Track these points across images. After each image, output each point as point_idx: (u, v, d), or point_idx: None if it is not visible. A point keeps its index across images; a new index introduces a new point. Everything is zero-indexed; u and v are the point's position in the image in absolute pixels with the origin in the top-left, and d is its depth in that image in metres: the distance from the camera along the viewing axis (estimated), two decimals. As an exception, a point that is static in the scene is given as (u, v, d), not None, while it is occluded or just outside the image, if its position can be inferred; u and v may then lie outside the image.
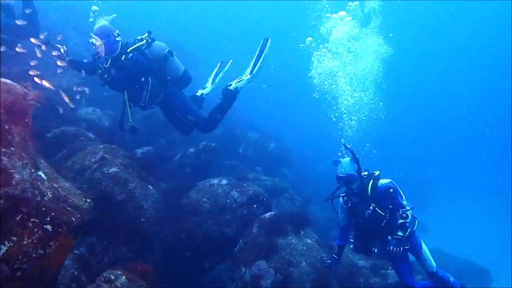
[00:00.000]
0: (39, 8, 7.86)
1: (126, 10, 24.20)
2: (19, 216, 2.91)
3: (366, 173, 5.30)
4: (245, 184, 6.92)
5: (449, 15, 39.53)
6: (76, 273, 4.41)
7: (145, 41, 5.68)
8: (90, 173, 5.20)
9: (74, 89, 5.86)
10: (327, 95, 9.17)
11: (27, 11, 6.71)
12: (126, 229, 5.12)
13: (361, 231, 5.39)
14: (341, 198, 5.41)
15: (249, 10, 46.99)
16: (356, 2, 10.68)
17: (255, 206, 6.66)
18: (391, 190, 5.00)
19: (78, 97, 5.26)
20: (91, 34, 5.43)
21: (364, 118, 8.85)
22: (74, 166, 5.35)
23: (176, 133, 10.29)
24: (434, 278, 5.39)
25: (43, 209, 3.06)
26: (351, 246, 5.59)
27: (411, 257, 5.36)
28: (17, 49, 5.61)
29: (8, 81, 3.44)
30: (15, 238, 2.84)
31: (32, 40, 5.68)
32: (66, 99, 4.99)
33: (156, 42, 5.82)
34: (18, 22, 6.32)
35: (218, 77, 6.79)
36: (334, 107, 8.71)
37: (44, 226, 3.01)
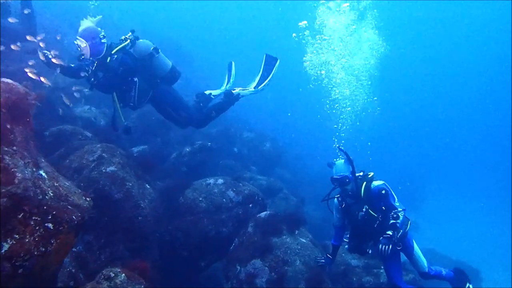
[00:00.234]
0: (35, 6, 7.87)
1: (122, 9, 24.15)
2: (21, 214, 2.95)
3: (361, 173, 5.37)
4: (240, 184, 7.00)
5: (446, 13, 39.62)
6: (73, 270, 4.47)
7: (129, 40, 5.67)
8: (88, 172, 5.25)
9: (73, 88, 5.88)
10: (322, 85, 9.19)
11: (26, 11, 6.69)
12: (123, 227, 5.18)
13: (355, 231, 5.47)
14: (336, 198, 5.49)
15: (244, 7, 47.00)
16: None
17: (250, 205, 6.74)
18: (383, 191, 5.07)
19: (77, 95, 5.27)
20: (76, 36, 5.38)
21: (358, 110, 8.89)
22: (72, 165, 5.39)
23: (172, 133, 10.39)
24: (427, 277, 5.50)
25: (45, 207, 3.11)
26: (346, 246, 5.68)
27: (403, 257, 5.47)
28: (12, 47, 5.61)
29: (9, 81, 3.48)
30: (17, 236, 2.89)
31: (28, 37, 5.71)
32: (67, 101, 5.02)
33: (141, 40, 5.80)
34: (11, 20, 6.29)
35: (229, 83, 6.76)
36: (330, 100, 8.74)
37: (46, 224, 3.07)
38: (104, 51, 5.47)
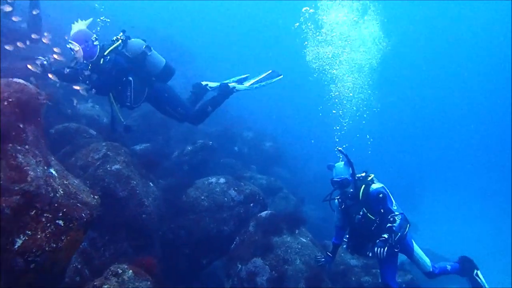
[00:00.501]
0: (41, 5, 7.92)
1: (123, 9, 24.17)
2: (33, 211, 3.05)
3: (363, 174, 5.43)
4: (242, 183, 7.11)
5: (448, 12, 39.67)
6: (79, 266, 4.55)
7: (120, 41, 5.72)
8: (93, 169, 5.34)
9: (80, 86, 5.95)
10: (323, 78, 9.22)
11: (34, 12, 6.72)
12: (127, 225, 5.27)
13: (353, 233, 5.54)
14: (336, 199, 5.57)
15: (245, 5, 47.02)
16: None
17: (251, 204, 6.84)
18: (381, 195, 5.09)
19: (84, 93, 5.33)
20: (69, 40, 5.39)
21: (359, 107, 8.92)
22: (78, 163, 5.48)
23: (173, 131, 10.48)
24: (433, 276, 5.55)
25: (56, 205, 3.21)
26: (344, 246, 5.76)
27: (403, 257, 5.55)
28: (18, 44, 5.66)
29: (21, 81, 3.56)
30: (29, 232, 2.98)
31: (33, 35, 5.77)
32: (75, 100, 5.08)
33: (132, 39, 5.85)
34: (14, 18, 6.33)
35: (231, 79, 6.85)
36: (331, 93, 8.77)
37: (57, 221, 3.16)
38: (97, 53, 5.52)
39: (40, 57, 5.23)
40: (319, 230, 10.26)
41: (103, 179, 5.23)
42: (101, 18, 5.93)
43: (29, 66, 5.02)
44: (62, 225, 3.19)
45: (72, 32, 5.45)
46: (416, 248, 5.43)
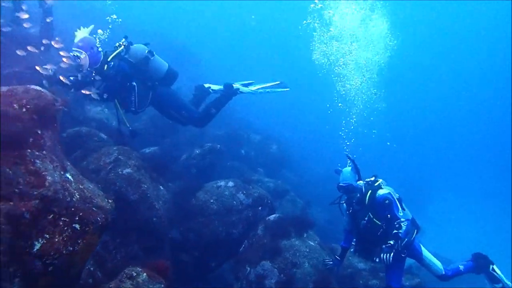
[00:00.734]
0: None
1: (129, 11, 24.34)
2: (51, 216, 3.13)
3: (372, 178, 5.48)
4: (250, 187, 7.17)
5: (448, 14, 39.50)
6: (92, 268, 4.63)
7: (123, 46, 5.81)
8: (105, 173, 5.42)
9: (92, 90, 6.04)
10: (332, 75, 9.24)
11: (48, 20, 6.79)
12: (138, 228, 5.35)
13: (360, 237, 5.58)
14: (344, 203, 5.62)
15: (251, 7, 47.11)
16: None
17: (260, 208, 6.90)
18: (387, 201, 5.12)
19: (95, 96, 5.42)
20: (73, 48, 5.43)
21: (367, 106, 8.92)
22: (90, 167, 5.56)
23: (181, 134, 10.57)
24: (446, 279, 5.55)
25: (72, 209, 3.29)
26: (352, 249, 5.80)
27: (411, 261, 5.57)
28: (28, 48, 5.73)
29: (38, 88, 3.65)
30: (47, 236, 3.07)
31: (44, 41, 5.85)
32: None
33: (135, 45, 5.95)
34: (25, 25, 6.38)
35: (235, 83, 6.92)
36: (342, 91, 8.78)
37: (73, 225, 3.25)
38: (101, 60, 5.60)
39: (45, 67, 5.23)
40: (325, 232, 10.29)
41: (114, 182, 5.32)
42: (113, 16, 6.00)
43: (38, 68, 5.05)
44: (79, 228, 3.28)
45: (76, 40, 5.52)
46: (425, 252, 5.44)
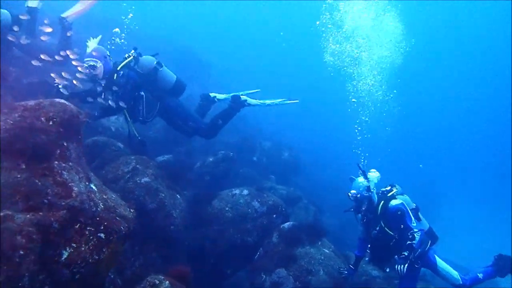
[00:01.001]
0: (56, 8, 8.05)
1: (140, 16, 24.64)
2: (78, 225, 3.24)
3: (387, 188, 5.52)
4: (265, 195, 7.24)
5: (450, 14, 39.28)
6: (112, 276, 4.73)
7: (132, 57, 5.94)
8: (123, 182, 5.54)
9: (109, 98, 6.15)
10: (342, 72, 9.27)
11: (68, 34, 6.93)
12: (156, 236, 5.45)
13: (373, 246, 5.60)
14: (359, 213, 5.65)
15: (262, 12, 47.34)
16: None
17: (274, 216, 6.97)
18: (399, 212, 5.16)
19: (112, 104, 5.54)
20: (87, 59, 5.55)
21: (378, 107, 8.93)
22: (108, 176, 5.68)
23: (194, 142, 10.68)
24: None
25: (97, 219, 3.40)
26: (366, 258, 5.83)
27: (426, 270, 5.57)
28: (42, 57, 5.82)
29: (62, 101, 3.78)
30: (74, 245, 3.17)
31: (61, 53, 5.98)
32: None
33: (144, 56, 6.08)
34: (43, 38, 6.49)
35: (240, 93, 7.03)
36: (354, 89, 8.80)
37: (98, 234, 3.35)
38: (111, 69, 5.76)
39: (64, 75, 5.28)
40: (336, 238, 10.30)
41: (133, 191, 5.43)
42: (130, 16, 6.09)
43: (53, 75, 5.13)
44: (104, 238, 3.38)
45: (88, 50, 5.68)
46: (440, 262, 5.43)
